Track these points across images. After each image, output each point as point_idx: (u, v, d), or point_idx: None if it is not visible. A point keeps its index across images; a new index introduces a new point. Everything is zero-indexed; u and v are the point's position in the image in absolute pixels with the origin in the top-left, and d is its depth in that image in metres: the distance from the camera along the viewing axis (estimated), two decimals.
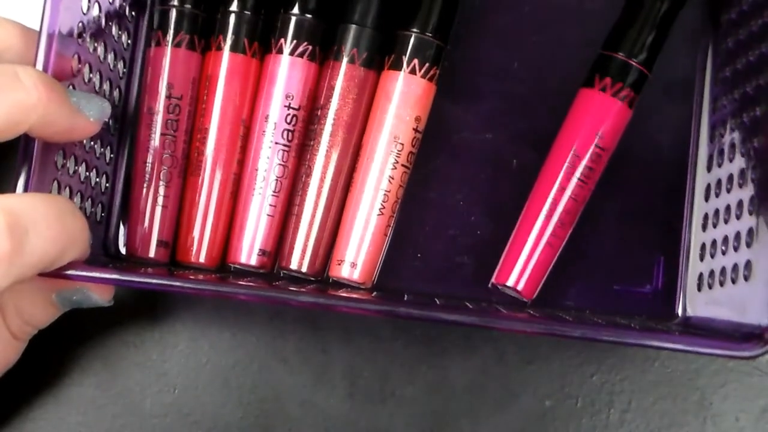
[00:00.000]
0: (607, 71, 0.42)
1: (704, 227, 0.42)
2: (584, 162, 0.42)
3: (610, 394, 0.44)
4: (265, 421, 0.44)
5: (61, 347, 0.41)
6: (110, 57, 0.42)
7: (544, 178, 0.42)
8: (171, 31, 0.42)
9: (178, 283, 0.38)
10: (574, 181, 0.42)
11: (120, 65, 0.43)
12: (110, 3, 0.41)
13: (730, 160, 0.40)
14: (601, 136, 0.42)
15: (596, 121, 0.42)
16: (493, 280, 0.43)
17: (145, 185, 0.43)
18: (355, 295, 0.41)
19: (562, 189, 0.42)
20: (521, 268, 0.42)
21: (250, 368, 0.45)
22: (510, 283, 0.42)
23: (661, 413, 0.44)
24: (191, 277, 0.40)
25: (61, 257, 0.35)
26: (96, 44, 0.40)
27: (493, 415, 0.44)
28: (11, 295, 0.39)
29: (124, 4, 0.43)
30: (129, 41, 0.44)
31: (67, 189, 0.39)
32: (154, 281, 0.38)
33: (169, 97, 0.42)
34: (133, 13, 0.44)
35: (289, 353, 0.44)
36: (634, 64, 0.42)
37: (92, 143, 0.41)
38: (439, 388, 0.44)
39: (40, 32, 0.37)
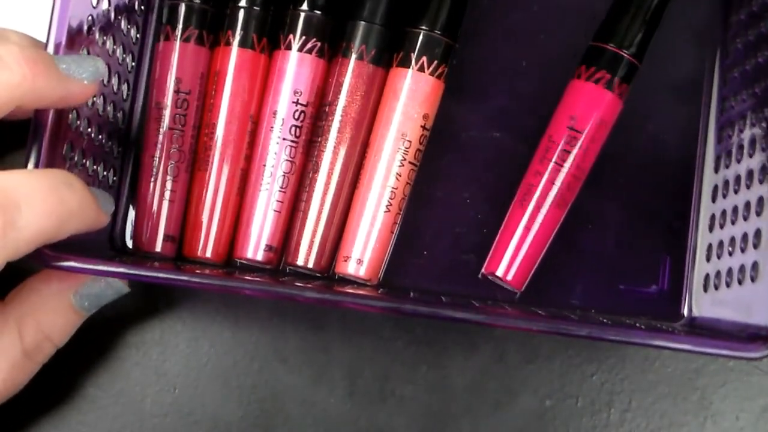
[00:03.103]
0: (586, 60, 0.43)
1: (711, 228, 0.42)
2: (559, 145, 0.42)
3: (610, 394, 0.44)
4: (265, 421, 0.44)
5: (62, 347, 0.40)
6: (119, 51, 0.42)
7: (529, 168, 0.43)
8: (180, 26, 0.42)
9: (184, 278, 0.38)
10: (549, 165, 0.42)
11: (129, 59, 0.43)
12: None
13: (738, 161, 0.40)
14: (574, 118, 0.42)
15: (570, 104, 0.42)
16: (483, 270, 0.43)
17: (152, 179, 0.42)
18: (361, 292, 0.41)
19: (537, 173, 0.42)
20: (510, 257, 0.42)
21: (250, 368, 0.44)
22: (499, 273, 0.42)
23: (661, 413, 0.44)
24: (197, 271, 0.40)
25: (59, 230, 0.35)
26: (105, 38, 0.40)
27: (493, 414, 0.44)
28: (29, 306, 0.39)
29: None
30: (138, 35, 0.44)
31: None
32: (161, 275, 0.38)
33: (177, 91, 0.42)
34: (142, 7, 0.44)
35: (289, 353, 0.44)
36: (597, 45, 0.42)
37: (100, 136, 0.41)
38: (439, 388, 0.44)
39: (50, 24, 0.37)
